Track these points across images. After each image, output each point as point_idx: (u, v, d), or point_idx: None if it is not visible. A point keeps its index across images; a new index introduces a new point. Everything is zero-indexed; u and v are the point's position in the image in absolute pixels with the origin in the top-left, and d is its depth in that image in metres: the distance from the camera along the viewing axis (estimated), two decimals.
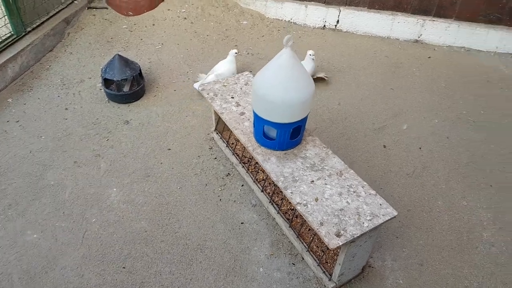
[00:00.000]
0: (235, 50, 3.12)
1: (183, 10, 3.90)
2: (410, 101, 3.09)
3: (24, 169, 2.47)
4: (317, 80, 3.20)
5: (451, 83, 3.27)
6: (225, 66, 3.16)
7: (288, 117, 1.87)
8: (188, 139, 2.75)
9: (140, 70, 3.04)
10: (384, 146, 2.70)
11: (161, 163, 2.59)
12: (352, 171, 1.94)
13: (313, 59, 3.07)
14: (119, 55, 2.96)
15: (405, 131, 2.82)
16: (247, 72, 2.62)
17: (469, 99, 3.10)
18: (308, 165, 1.96)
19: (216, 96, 2.40)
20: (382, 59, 3.53)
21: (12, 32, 3.22)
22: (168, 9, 3.89)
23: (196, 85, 3.23)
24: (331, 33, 3.87)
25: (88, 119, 2.89)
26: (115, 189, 2.43)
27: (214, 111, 2.47)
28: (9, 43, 3.18)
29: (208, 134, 2.79)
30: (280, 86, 1.80)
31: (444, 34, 3.61)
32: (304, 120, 1.96)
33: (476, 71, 3.41)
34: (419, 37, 3.70)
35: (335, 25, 3.87)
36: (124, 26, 3.77)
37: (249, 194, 2.39)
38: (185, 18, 3.85)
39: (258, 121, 1.98)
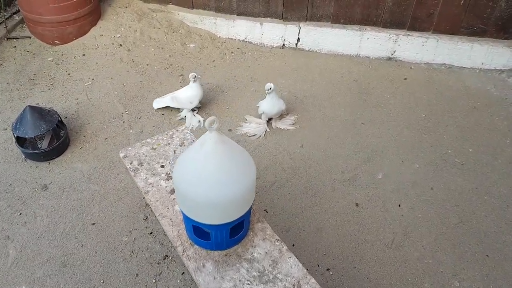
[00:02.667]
0: (194, 74, 2.62)
1: (118, 35, 3.31)
2: (385, 139, 2.62)
3: None
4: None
5: (432, 112, 2.82)
6: (184, 92, 2.70)
7: (221, 218, 1.38)
8: (118, 207, 2.23)
9: (59, 120, 2.49)
10: (357, 205, 2.24)
11: (83, 246, 2.06)
12: (313, 280, 1.46)
13: (269, 93, 2.55)
14: (30, 107, 2.39)
15: (380, 181, 2.36)
16: (183, 127, 2.10)
17: (454, 133, 2.66)
18: (255, 274, 1.47)
19: (141, 165, 1.88)
20: (351, 84, 3.06)
21: None
22: (101, 35, 3.31)
23: (155, 104, 2.79)
24: (292, 53, 3.37)
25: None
26: (23, 287, 1.90)
27: None
28: None
29: (143, 198, 2.27)
30: (206, 182, 1.30)
31: (421, 50, 3.15)
32: (246, 214, 1.47)
33: (460, 94, 2.97)
34: (392, 54, 3.24)
35: (296, 44, 3.37)
36: (49, 59, 3.18)
37: (191, 287, 1.90)
38: (121, 45, 3.27)
39: (187, 220, 1.48)
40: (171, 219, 1.66)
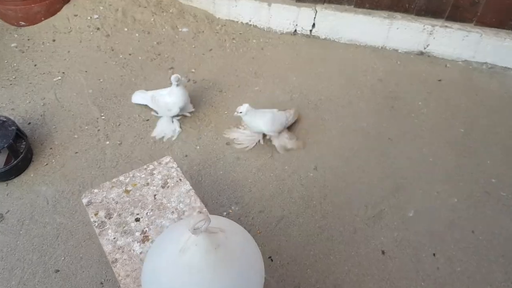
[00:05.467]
0: (177, 76, 2.13)
1: (95, 16, 2.74)
2: (417, 161, 2.16)
3: None
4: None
5: (472, 126, 2.33)
6: (164, 96, 2.22)
7: None
8: (87, 249, 1.81)
9: (17, 131, 2.01)
10: (383, 252, 1.82)
11: None
12: None
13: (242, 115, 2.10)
14: None
15: (411, 220, 1.93)
16: (168, 158, 1.63)
17: (499, 156, 2.19)
18: None
19: (109, 218, 1.44)
20: (375, 85, 2.55)
21: None
22: (75, 15, 2.74)
23: (135, 98, 2.34)
24: (305, 41, 2.82)
25: None
26: None
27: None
28: None
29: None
30: None
31: (460, 44, 2.62)
32: None
33: (504, 103, 2.46)
34: (425, 48, 2.70)
35: (310, 30, 2.82)
36: (13, 44, 2.63)
37: None
38: (98, 29, 2.71)
39: None
40: None
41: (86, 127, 2.25)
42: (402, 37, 2.68)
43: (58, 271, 1.75)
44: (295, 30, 2.85)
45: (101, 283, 1.72)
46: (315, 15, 2.73)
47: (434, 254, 1.82)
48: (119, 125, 2.27)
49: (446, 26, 2.59)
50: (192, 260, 0.85)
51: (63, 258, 1.78)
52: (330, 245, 1.84)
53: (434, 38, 2.64)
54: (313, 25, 2.79)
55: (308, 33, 2.83)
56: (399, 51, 2.75)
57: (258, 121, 2.09)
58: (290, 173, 2.10)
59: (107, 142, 2.19)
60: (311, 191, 2.04)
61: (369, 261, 1.79)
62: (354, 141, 2.25)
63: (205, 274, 0.85)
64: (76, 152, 2.14)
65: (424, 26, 2.60)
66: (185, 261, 0.86)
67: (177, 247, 0.87)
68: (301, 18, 2.77)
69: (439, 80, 2.58)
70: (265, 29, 2.88)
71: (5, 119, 2.01)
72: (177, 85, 2.12)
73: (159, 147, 2.18)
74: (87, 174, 2.06)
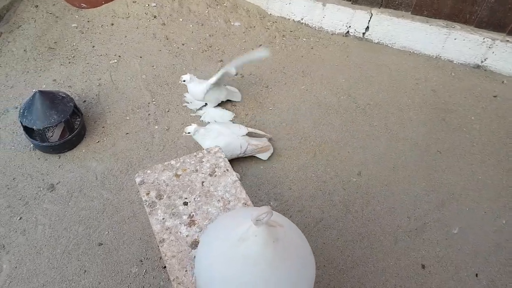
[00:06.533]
0: (185, 77, 2.16)
1: (153, 4, 2.82)
2: (466, 177, 2.09)
3: None
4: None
5: None
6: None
7: None
8: (130, 226, 1.88)
9: (74, 108, 2.10)
10: (423, 267, 1.78)
11: (85, 272, 1.75)
12: None
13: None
14: (40, 92, 2.01)
15: (455, 237, 1.87)
16: (217, 148, 1.66)
17: None
18: None
19: (160, 199, 1.48)
20: (427, 95, 2.48)
21: None
22: (134, 1, 2.82)
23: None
24: (357, 44, 2.78)
25: (2, 178, 2.03)
26: None
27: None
28: None
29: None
30: None
31: None
32: None
33: None
34: (482, 62, 2.61)
35: (363, 33, 2.78)
36: (73, 25, 2.74)
37: None
38: (155, 17, 2.79)
39: None
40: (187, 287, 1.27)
41: (138, 110, 2.32)
42: (459, 48, 2.59)
43: (102, 244, 1.82)
44: (348, 32, 2.81)
45: (141, 261, 1.77)
46: (370, 18, 2.69)
47: (476, 275, 1.76)
48: (168, 111, 2.33)
49: (507, 41, 2.48)
50: (249, 250, 0.87)
51: (107, 232, 1.85)
52: (369, 253, 1.81)
53: (493, 52, 2.54)
54: (367, 28, 2.75)
55: (361, 35, 2.80)
56: (455, 62, 2.66)
57: (207, 141, 1.99)
58: (332, 176, 2.09)
59: (156, 127, 2.25)
60: (353, 196, 2.01)
61: (408, 273, 1.76)
62: (401, 151, 2.20)
63: (261, 266, 0.86)
64: (127, 133, 2.22)
65: (484, 39, 2.51)
66: (241, 250, 0.87)
67: (234, 235, 0.88)
68: (355, 20, 2.74)
69: (495, 96, 2.48)
70: (317, 28, 2.87)
71: (64, 95, 2.10)
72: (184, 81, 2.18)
73: None
74: (135, 155, 2.13)
